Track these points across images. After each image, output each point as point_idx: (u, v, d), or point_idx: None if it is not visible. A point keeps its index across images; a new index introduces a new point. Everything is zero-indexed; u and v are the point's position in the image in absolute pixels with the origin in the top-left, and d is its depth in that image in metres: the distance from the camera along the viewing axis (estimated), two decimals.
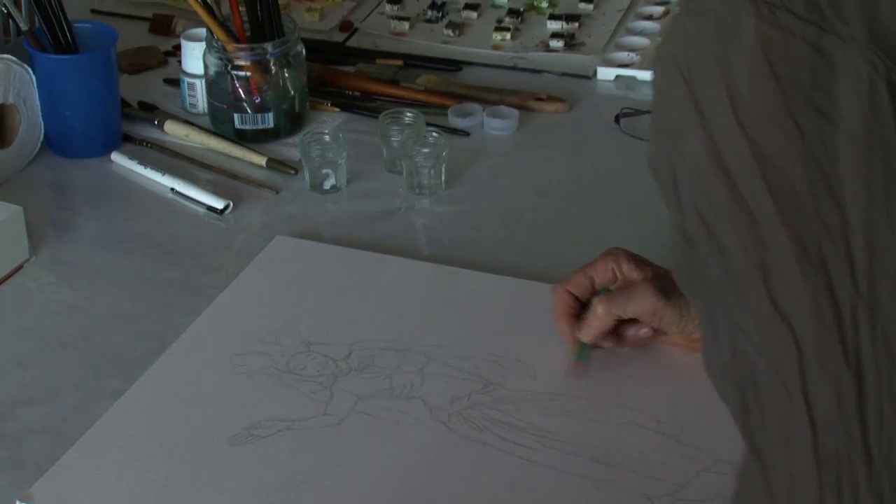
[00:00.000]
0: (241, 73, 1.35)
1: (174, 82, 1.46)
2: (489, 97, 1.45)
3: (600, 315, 1.02)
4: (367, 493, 0.93)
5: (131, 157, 1.33)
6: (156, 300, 1.15)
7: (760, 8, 0.62)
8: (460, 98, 1.44)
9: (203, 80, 1.39)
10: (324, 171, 1.30)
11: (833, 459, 0.61)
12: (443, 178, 1.30)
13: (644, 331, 1.04)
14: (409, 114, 1.34)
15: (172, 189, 1.29)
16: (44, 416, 1.01)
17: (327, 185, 1.30)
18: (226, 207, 1.27)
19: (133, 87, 1.45)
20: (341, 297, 1.14)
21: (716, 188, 0.64)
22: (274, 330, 1.10)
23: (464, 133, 1.40)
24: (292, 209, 1.29)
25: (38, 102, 1.32)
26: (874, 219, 0.61)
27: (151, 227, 1.26)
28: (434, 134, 1.31)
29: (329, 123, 1.40)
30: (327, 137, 1.31)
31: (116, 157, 1.34)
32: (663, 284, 1.01)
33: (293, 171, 1.32)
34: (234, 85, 1.35)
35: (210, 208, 1.27)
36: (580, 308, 1.05)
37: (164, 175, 1.31)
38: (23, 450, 0.98)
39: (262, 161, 1.34)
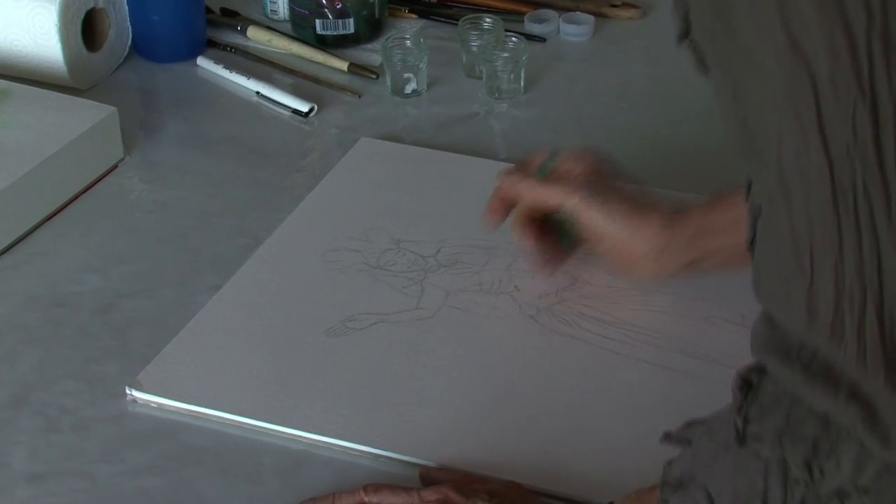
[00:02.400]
0: None
1: None
2: (564, 4, 1.46)
3: (520, 188, 1.02)
4: (460, 384, 0.97)
5: (216, 61, 1.36)
6: (246, 199, 1.18)
7: None
8: (535, 5, 1.46)
9: None
10: (405, 75, 1.32)
11: (850, 190, 0.61)
12: (522, 82, 1.32)
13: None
14: (488, 19, 1.36)
15: (258, 93, 1.32)
16: (146, 309, 1.05)
17: (408, 89, 1.33)
18: (310, 110, 1.30)
19: None
20: (427, 196, 1.17)
21: None
22: (363, 227, 1.13)
23: (540, 39, 1.41)
24: (374, 112, 1.31)
25: (126, 7, 1.35)
26: None
27: (238, 129, 1.29)
28: (513, 39, 1.33)
29: (407, 30, 1.42)
30: (408, 42, 1.33)
31: (202, 62, 1.37)
32: (594, 188, 1.00)
33: (375, 76, 1.35)
34: None
35: (295, 111, 1.30)
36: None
37: (248, 79, 1.33)
38: (128, 340, 1.02)
39: (344, 66, 1.36)
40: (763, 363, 0.68)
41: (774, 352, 0.66)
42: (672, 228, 1.00)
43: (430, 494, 0.86)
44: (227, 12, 1.45)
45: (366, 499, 0.86)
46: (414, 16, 1.46)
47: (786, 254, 0.63)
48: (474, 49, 1.35)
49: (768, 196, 0.65)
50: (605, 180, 1.03)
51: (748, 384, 0.70)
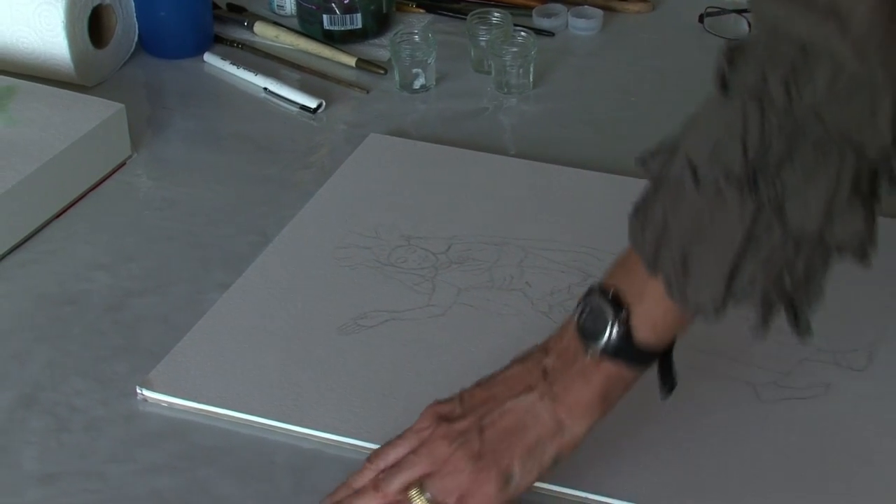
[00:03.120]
0: None
1: None
2: None
3: None
4: (473, 379, 0.96)
5: (223, 57, 1.36)
6: (255, 196, 1.18)
7: None
8: None
9: None
10: (413, 70, 1.31)
11: None
12: (531, 77, 1.32)
13: None
14: (496, 14, 1.36)
15: (265, 89, 1.32)
16: (156, 307, 1.04)
17: (417, 84, 1.32)
18: (319, 106, 1.29)
19: None
20: (437, 192, 1.16)
21: None
22: (373, 224, 1.12)
23: (548, 33, 1.41)
24: (382, 108, 1.31)
25: (132, 3, 1.34)
26: None
27: (246, 125, 1.28)
28: (522, 33, 1.32)
29: (415, 24, 1.41)
30: (417, 37, 1.32)
31: (209, 58, 1.36)
32: None
33: (383, 71, 1.34)
34: None
35: (303, 107, 1.29)
36: None
37: (256, 75, 1.33)
38: (138, 338, 1.01)
39: (352, 61, 1.36)
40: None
41: None
42: None
43: (421, 424, 0.85)
44: (233, 8, 1.45)
45: (373, 466, 0.85)
46: (422, 10, 1.45)
47: None
48: (483, 44, 1.34)
49: None
50: None
51: (731, 49, 0.76)
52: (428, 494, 0.82)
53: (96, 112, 1.18)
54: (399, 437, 0.86)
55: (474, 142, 1.25)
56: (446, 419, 0.84)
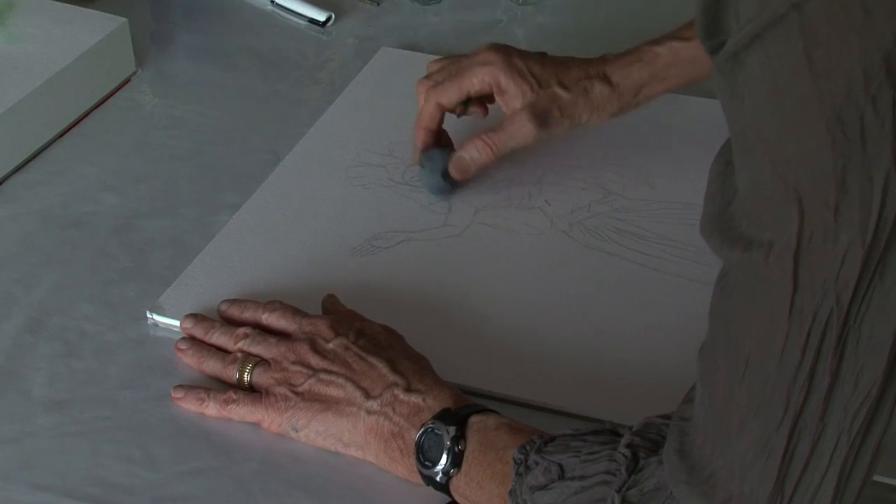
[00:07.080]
0: None
1: None
2: None
3: (480, 157, 1.01)
4: (490, 303, 0.93)
5: None
6: (263, 112, 1.15)
7: None
8: None
9: None
10: None
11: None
12: None
13: None
14: None
15: (272, 1, 1.28)
16: (165, 229, 1.02)
17: None
18: (328, 19, 1.25)
19: None
20: None
21: None
22: (386, 142, 1.09)
23: None
24: (393, 21, 1.27)
25: None
26: None
27: (252, 39, 1.25)
28: None
29: None
30: None
31: None
32: (541, 107, 0.99)
33: None
34: None
35: (312, 20, 1.26)
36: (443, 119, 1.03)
37: None
38: (147, 261, 0.99)
39: None
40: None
41: None
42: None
43: (307, 324, 0.87)
44: None
45: (262, 315, 0.89)
46: None
47: None
48: None
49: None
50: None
51: (635, 459, 0.70)
52: (254, 374, 0.86)
53: (99, 27, 1.15)
54: (294, 313, 0.89)
55: None
56: (315, 346, 0.85)
